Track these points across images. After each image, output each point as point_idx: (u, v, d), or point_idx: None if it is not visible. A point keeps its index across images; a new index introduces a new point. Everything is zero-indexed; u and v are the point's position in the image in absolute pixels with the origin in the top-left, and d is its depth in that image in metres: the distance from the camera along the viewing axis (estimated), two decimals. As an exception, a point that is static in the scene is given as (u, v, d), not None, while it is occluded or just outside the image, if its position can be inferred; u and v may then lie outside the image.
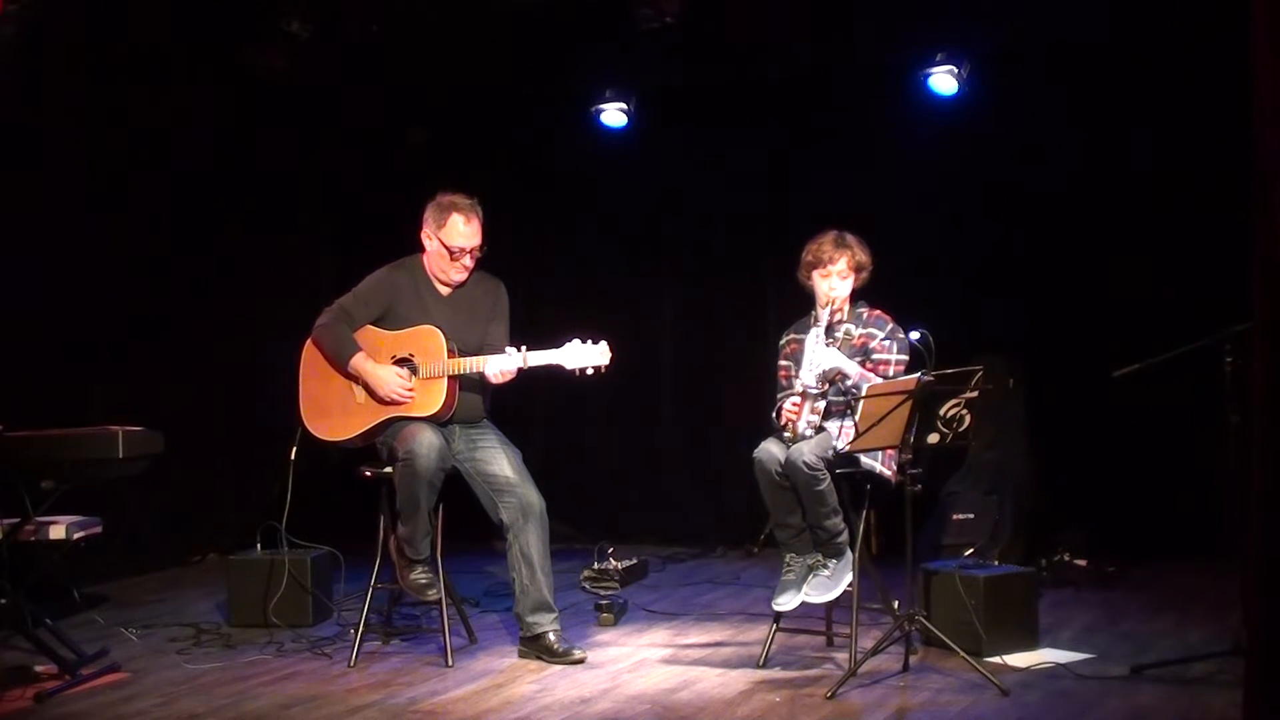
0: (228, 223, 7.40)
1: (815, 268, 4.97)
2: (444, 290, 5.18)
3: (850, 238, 4.99)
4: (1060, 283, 6.89)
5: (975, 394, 4.53)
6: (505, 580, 5.28)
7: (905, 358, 4.87)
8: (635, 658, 5.11)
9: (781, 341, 5.12)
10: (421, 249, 5.18)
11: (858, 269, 4.97)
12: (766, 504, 4.87)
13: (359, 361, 5.02)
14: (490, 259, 5.22)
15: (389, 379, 4.99)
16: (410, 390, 4.98)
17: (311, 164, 7.76)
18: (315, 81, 7.12)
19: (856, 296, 5.03)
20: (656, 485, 7.95)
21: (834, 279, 4.94)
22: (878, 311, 5.00)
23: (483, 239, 5.12)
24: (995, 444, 6.58)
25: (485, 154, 7.71)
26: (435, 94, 7.64)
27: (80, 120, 6.54)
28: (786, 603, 4.85)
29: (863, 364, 4.86)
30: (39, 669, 4.87)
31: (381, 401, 5.00)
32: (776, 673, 4.82)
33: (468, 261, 5.11)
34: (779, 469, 4.75)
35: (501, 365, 4.92)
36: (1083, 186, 6.84)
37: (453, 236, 5.07)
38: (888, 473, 4.81)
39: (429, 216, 5.13)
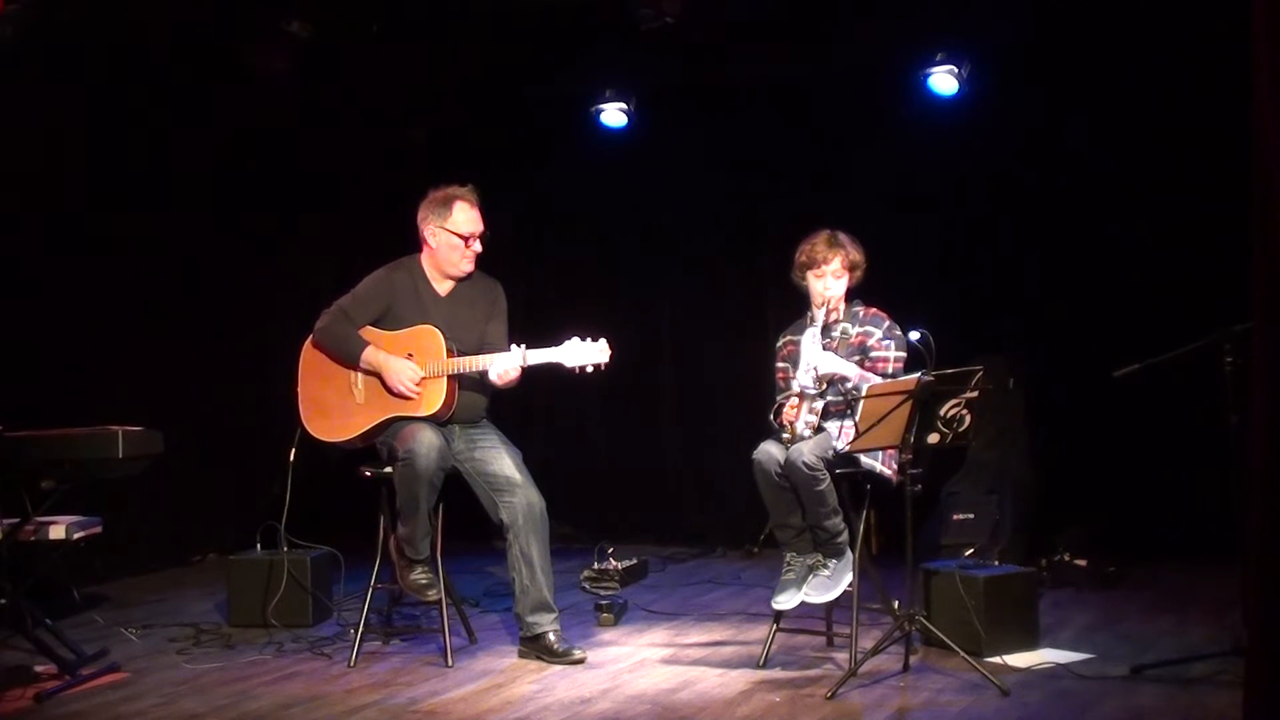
0: (227, 223, 7.40)
1: (809, 268, 4.97)
2: (443, 290, 5.18)
3: (843, 236, 4.99)
4: (1060, 283, 6.89)
5: (975, 394, 4.53)
6: (505, 580, 5.28)
7: (903, 354, 4.88)
8: (635, 658, 5.11)
9: (778, 344, 5.12)
10: (419, 249, 5.18)
11: (851, 268, 4.97)
12: (766, 505, 4.87)
13: (370, 354, 5.02)
14: (490, 258, 5.23)
15: (402, 370, 4.98)
16: (419, 384, 4.98)
17: (311, 164, 7.75)
18: (315, 81, 7.11)
19: (851, 295, 5.03)
20: (656, 485, 7.95)
21: (828, 279, 4.94)
22: (874, 309, 5.00)
23: (485, 223, 5.14)
24: (995, 444, 6.58)
25: (485, 154, 7.71)
26: (435, 94, 7.64)
27: (80, 120, 6.54)
28: (786, 601, 4.85)
29: (861, 362, 4.87)
30: (39, 669, 4.87)
31: (390, 392, 5.00)
32: (776, 673, 4.82)
33: (478, 247, 5.13)
34: (778, 469, 4.75)
35: (505, 365, 4.92)
36: (1083, 186, 6.84)
37: (460, 224, 5.08)
38: (888, 473, 4.81)
39: (429, 213, 5.13)
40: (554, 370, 4.99)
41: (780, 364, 5.07)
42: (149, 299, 7.01)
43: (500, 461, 5.05)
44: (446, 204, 5.10)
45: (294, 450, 5.49)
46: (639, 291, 7.92)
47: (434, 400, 4.98)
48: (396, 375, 4.98)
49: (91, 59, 6.40)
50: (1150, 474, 6.54)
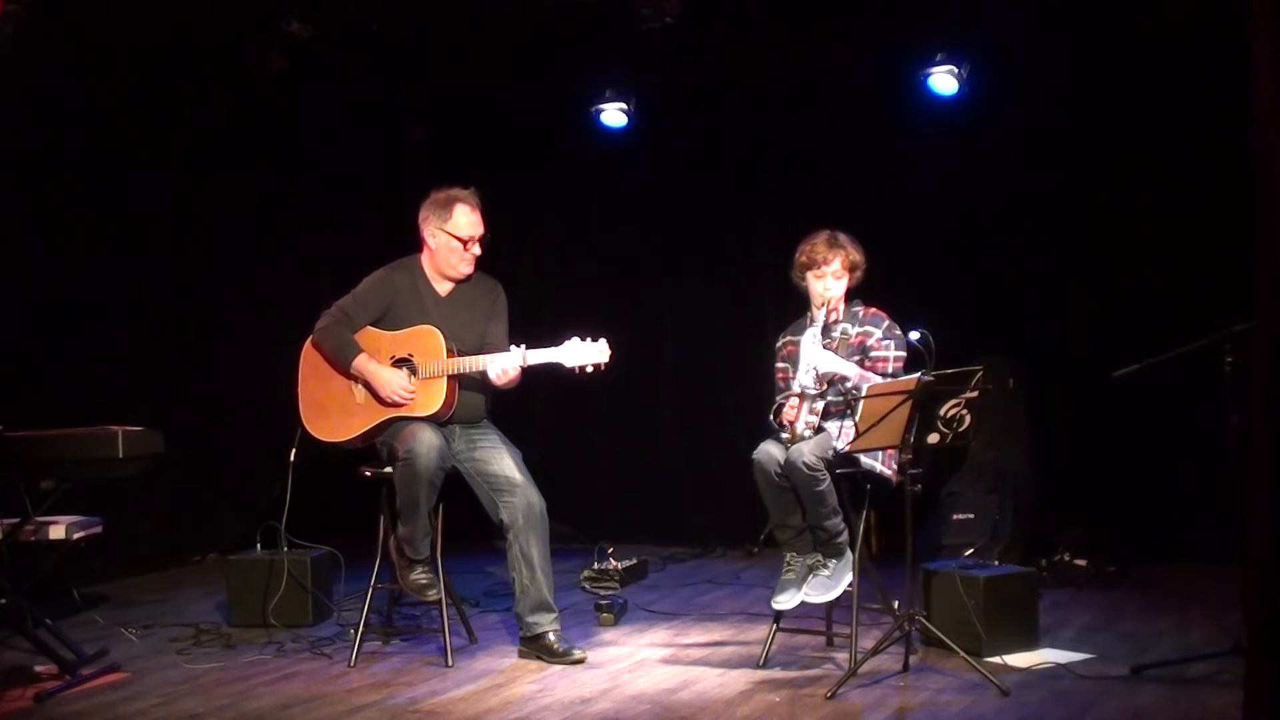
0: (227, 223, 7.40)
1: (809, 268, 4.98)
2: (443, 290, 5.18)
3: (843, 237, 4.99)
4: (1060, 283, 6.88)
5: (975, 394, 4.53)
6: (505, 580, 5.28)
7: (903, 354, 4.88)
8: (635, 658, 5.11)
9: (778, 344, 5.13)
10: (419, 249, 5.18)
11: (852, 268, 4.97)
12: (766, 505, 4.87)
13: (361, 363, 5.02)
14: (490, 258, 5.23)
15: (391, 380, 4.99)
16: (412, 391, 4.99)
17: (311, 164, 7.75)
18: (315, 81, 7.11)
19: (851, 295, 5.04)
20: (656, 485, 7.95)
21: (828, 279, 4.94)
22: (874, 309, 5.01)
23: (485, 226, 5.14)
24: (995, 444, 6.57)
25: (485, 154, 7.71)
26: (435, 94, 7.64)
27: (80, 120, 6.54)
28: (786, 601, 4.85)
29: (861, 362, 4.87)
30: (39, 669, 4.88)
31: (383, 402, 5.01)
32: (776, 673, 4.82)
33: (477, 250, 5.13)
34: (778, 470, 4.75)
35: (503, 364, 4.93)
36: (1083, 186, 6.84)
37: (461, 227, 5.08)
38: (888, 473, 4.81)
39: (429, 214, 5.13)
40: (554, 370, 4.99)
41: (780, 364, 5.07)
42: (149, 299, 7.00)
43: (500, 461, 5.05)
44: (447, 205, 5.10)
45: (294, 450, 5.49)
46: (639, 291, 7.91)
47: (434, 400, 4.98)
48: (387, 386, 4.98)
49: (91, 59, 6.40)
50: (1150, 474, 6.53)
